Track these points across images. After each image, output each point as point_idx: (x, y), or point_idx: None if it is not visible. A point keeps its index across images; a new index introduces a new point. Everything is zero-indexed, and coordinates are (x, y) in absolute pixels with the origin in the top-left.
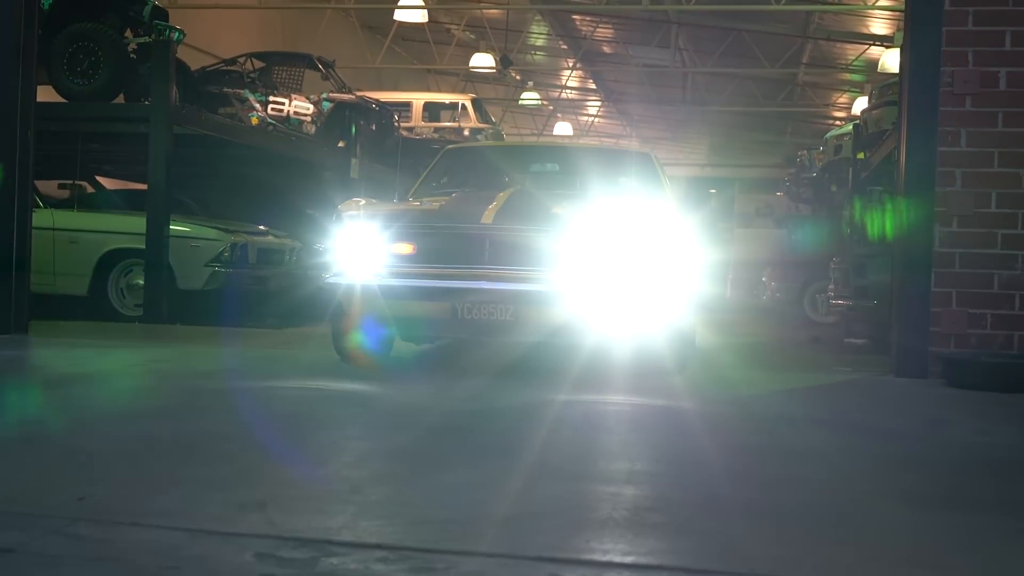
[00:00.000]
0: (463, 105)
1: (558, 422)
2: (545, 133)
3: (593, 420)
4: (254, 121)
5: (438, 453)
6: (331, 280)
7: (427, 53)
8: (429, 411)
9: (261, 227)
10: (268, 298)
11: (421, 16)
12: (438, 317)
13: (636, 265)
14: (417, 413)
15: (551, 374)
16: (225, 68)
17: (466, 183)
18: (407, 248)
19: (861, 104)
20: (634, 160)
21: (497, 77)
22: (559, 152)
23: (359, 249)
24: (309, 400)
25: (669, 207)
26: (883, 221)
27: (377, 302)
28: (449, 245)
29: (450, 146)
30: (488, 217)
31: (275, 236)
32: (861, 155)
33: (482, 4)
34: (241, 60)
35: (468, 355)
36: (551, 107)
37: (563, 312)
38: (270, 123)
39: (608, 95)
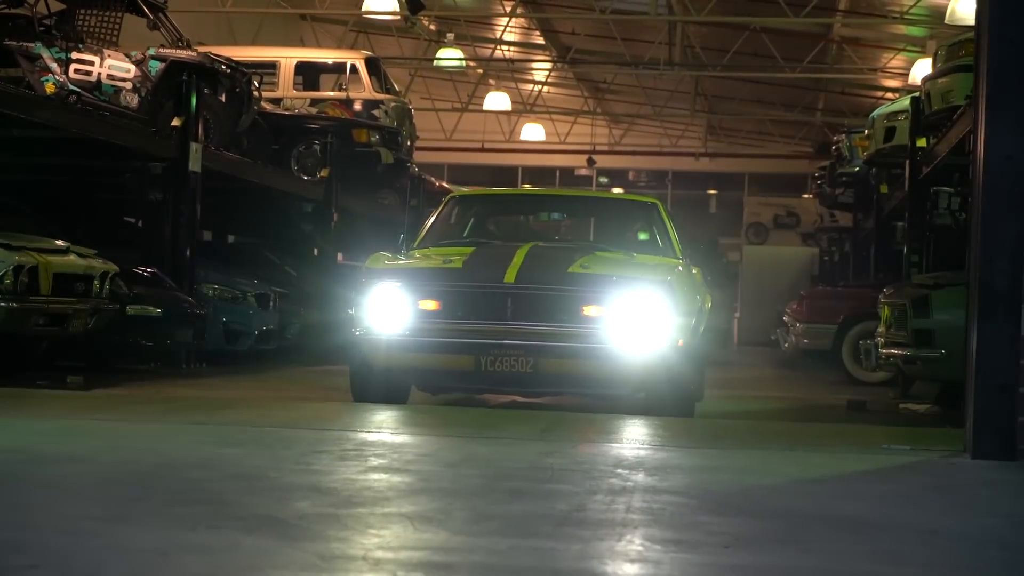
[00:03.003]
0: (353, 66)
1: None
2: (471, 107)
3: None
4: (50, 88)
5: None
6: (358, 334)
7: None
8: None
9: (59, 243)
10: (69, 344)
11: None
12: (462, 369)
13: (645, 321)
14: None
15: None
16: (5, 11)
17: (475, 233)
18: (433, 305)
19: (922, 69)
20: (642, 209)
21: (403, 27)
22: (567, 202)
23: (386, 304)
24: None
25: (674, 259)
26: (954, 235)
27: (403, 355)
28: (473, 303)
29: (453, 193)
30: (510, 276)
31: (79, 256)
32: (922, 142)
33: None
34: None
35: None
36: (480, 70)
37: (578, 366)
38: (73, 91)
39: (562, 54)
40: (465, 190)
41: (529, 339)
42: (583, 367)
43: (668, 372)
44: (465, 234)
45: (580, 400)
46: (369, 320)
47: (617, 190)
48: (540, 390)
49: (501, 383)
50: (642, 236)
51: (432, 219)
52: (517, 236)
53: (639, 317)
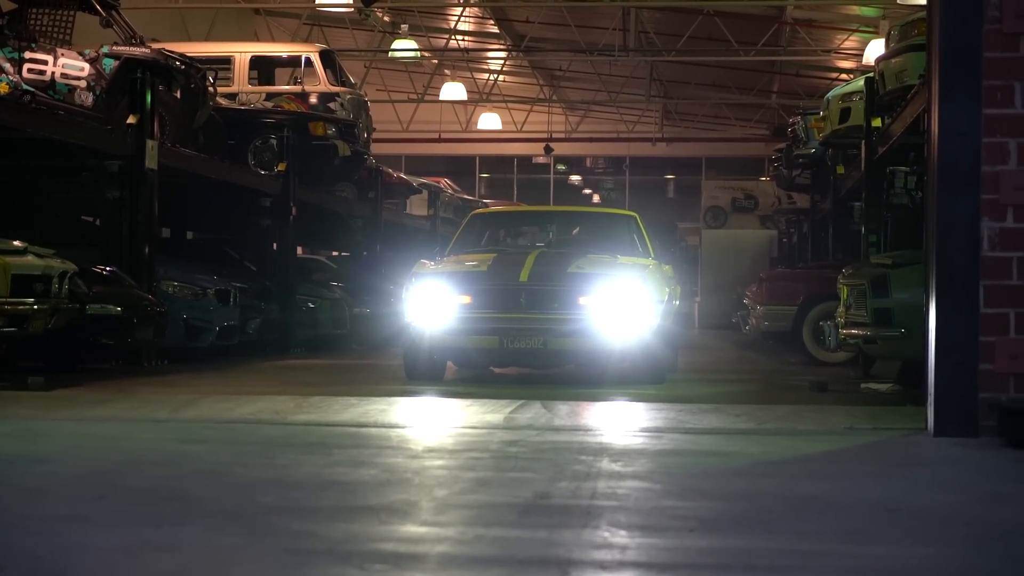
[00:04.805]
0: (308, 59)
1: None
2: (428, 98)
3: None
4: (3, 89)
5: None
6: (408, 324)
7: None
8: None
9: (16, 243)
10: (28, 344)
11: None
12: (489, 347)
13: (626, 308)
14: None
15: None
16: None
17: (491, 241)
18: (466, 299)
19: (875, 49)
20: (622, 220)
21: (356, 19)
22: (563, 216)
23: (430, 300)
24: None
25: (648, 260)
26: (911, 214)
27: (444, 338)
28: (497, 297)
29: (473, 212)
30: (524, 276)
31: (37, 256)
32: (877, 122)
33: None
34: None
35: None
36: (435, 61)
37: (576, 343)
38: (27, 91)
39: (517, 42)
40: (482, 209)
41: (540, 324)
42: (580, 344)
43: (644, 347)
44: (483, 243)
45: (565, 376)
46: (416, 312)
47: (596, 199)
48: (549, 363)
49: (519, 358)
50: (623, 241)
51: (459, 232)
52: (524, 244)
53: (622, 305)
